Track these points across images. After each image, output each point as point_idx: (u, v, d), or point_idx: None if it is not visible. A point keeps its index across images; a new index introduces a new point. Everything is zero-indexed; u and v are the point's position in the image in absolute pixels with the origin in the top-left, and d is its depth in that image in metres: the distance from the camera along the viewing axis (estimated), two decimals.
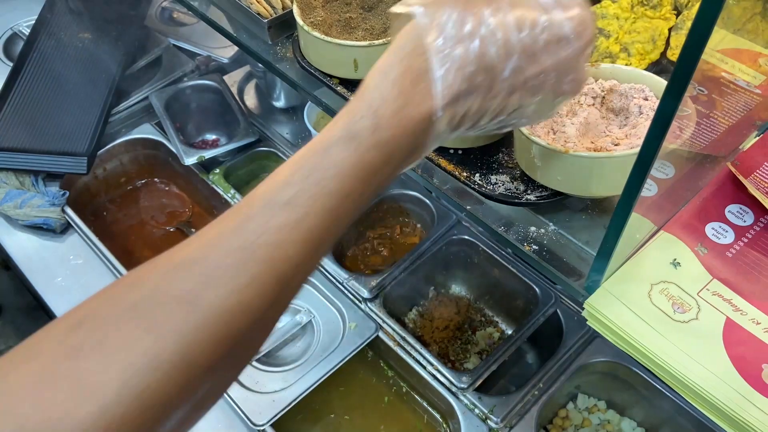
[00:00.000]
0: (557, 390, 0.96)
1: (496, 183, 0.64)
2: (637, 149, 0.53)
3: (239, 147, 1.23)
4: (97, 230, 1.15)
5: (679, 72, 0.39)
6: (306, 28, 0.70)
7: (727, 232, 0.59)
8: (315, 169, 0.38)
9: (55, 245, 1.13)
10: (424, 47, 0.40)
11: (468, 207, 0.64)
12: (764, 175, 0.63)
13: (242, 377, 0.95)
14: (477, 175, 0.65)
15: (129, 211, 1.32)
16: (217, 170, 1.22)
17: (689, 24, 0.67)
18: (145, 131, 1.31)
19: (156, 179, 1.35)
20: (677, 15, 0.69)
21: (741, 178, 0.61)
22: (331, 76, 0.74)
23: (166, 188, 1.36)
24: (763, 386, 0.49)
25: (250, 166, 1.27)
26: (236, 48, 1.42)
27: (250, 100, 1.42)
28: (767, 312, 0.53)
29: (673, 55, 0.67)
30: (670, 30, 0.68)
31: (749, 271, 0.56)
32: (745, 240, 0.59)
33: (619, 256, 0.55)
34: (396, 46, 0.42)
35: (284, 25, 0.80)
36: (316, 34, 0.69)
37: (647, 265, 0.57)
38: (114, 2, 1.40)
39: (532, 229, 0.62)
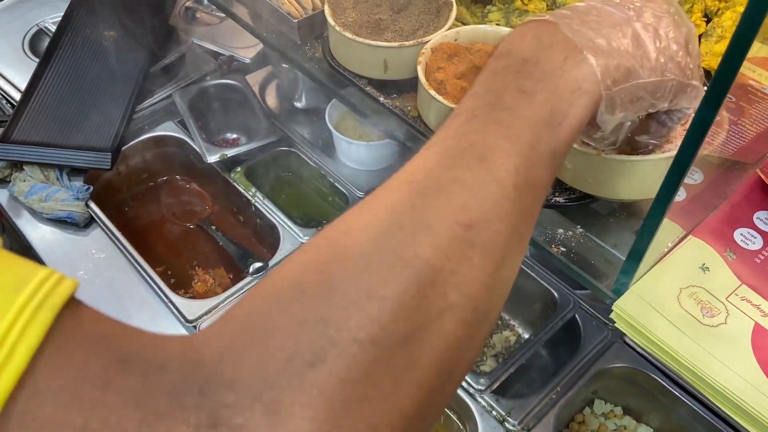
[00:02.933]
0: (574, 394, 0.96)
1: None
2: (671, 153, 0.53)
3: (261, 146, 1.24)
4: (118, 225, 1.17)
5: (719, 81, 0.39)
6: (338, 28, 0.71)
7: (755, 238, 0.60)
8: None
9: (78, 239, 1.15)
10: None
11: None
12: None
13: None
14: None
15: (150, 207, 1.33)
16: (239, 169, 1.23)
17: (719, 31, 0.68)
18: (168, 129, 1.32)
19: (177, 176, 1.36)
20: (707, 22, 0.69)
21: None
22: (360, 77, 0.75)
23: (187, 186, 1.37)
24: None
25: (271, 165, 1.28)
26: (258, 48, 1.43)
27: (272, 100, 1.43)
28: None
29: (704, 62, 0.67)
30: (700, 37, 0.69)
31: None
32: None
33: (648, 260, 0.55)
34: None
35: (314, 25, 0.81)
36: (348, 34, 0.70)
37: (676, 269, 0.57)
38: (139, 2, 1.41)
39: (560, 231, 0.63)
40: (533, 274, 1.06)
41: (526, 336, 1.11)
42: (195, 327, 1.01)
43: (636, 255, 0.53)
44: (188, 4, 1.58)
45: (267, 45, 0.84)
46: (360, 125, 1.23)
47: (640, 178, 0.56)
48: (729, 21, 0.68)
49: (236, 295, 1.05)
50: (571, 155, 0.57)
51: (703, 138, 0.42)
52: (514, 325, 1.12)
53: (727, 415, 0.86)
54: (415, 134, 0.71)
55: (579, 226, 0.63)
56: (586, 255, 0.61)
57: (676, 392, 0.95)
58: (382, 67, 0.71)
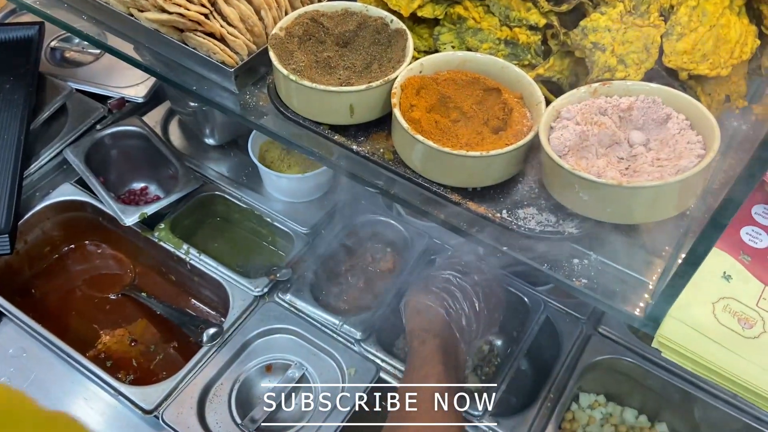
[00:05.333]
0: (565, 396, 0.96)
1: (525, 218, 0.61)
2: (689, 173, 0.52)
3: (183, 196, 1.12)
4: (31, 313, 1.01)
5: None
6: (292, 77, 0.63)
7: (760, 235, 0.60)
8: None
9: None
10: None
11: (505, 248, 0.61)
12: None
13: None
14: (504, 211, 0.62)
15: (61, 283, 1.17)
16: (162, 225, 1.11)
17: (678, 29, 0.67)
18: (66, 192, 1.16)
19: (86, 242, 1.21)
20: (665, 21, 0.69)
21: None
22: (320, 124, 0.67)
23: (99, 251, 1.22)
24: None
25: (195, 214, 1.16)
26: (150, 83, 1.30)
27: (177, 140, 1.30)
28: None
29: (669, 62, 0.67)
30: (661, 37, 0.68)
31: None
32: None
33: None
34: None
35: (251, 71, 0.72)
36: (307, 83, 0.63)
37: (702, 283, 0.57)
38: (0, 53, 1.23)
39: (575, 261, 0.60)
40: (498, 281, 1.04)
41: (499, 343, 1.10)
42: (157, 417, 0.90)
43: (680, 281, 0.51)
44: (54, 43, 1.40)
45: (201, 101, 0.74)
46: (287, 154, 1.14)
47: (659, 200, 0.54)
48: (685, 17, 0.68)
49: (194, 371, 0.94)
50: (590, 187, 0.54)
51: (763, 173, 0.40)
52: (491, 338, 1.10)
53: (698, 379, 0.89)
54: (394, 178, 0.65)
55: (592, 253, 0.60)
56: (607, 282, 0.59)
57: (657, 373, 0.97)
58: (348, 113, 0.65)
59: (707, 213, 0.61)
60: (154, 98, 1.32)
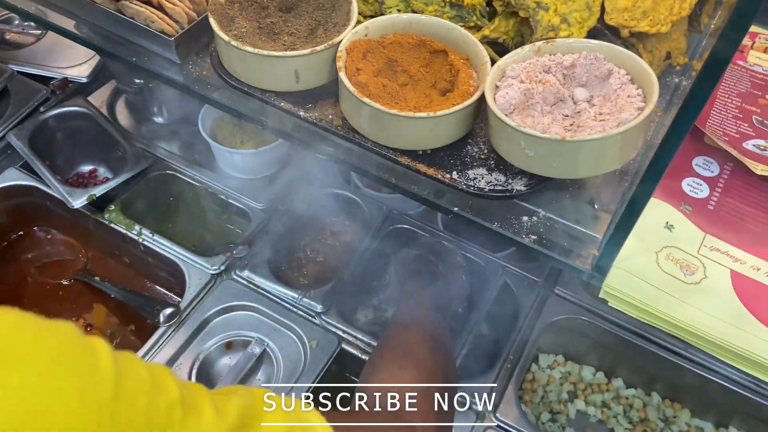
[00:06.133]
0: (525, 357, 0.98)
1: (475, 178, 0.62)
2: (629, 125, 0.53)
3: (133, 176, 1.10)
4: None
5: (719, 53, 0.38)
6: (234, 43, 0.62)
7: (701, 185, 0.62)
8: None
9: None
10: None
11: (456, 209, 0.61)
12: (716, 124, 0.66)
13: None
14: (454, 173, 0.62)
15: (10, 272, 1.13)
16: (112, 207, 1.08)
17: None
18: (11, 177, 1.12)
19: (35, 228, 1.17)
20: None
21: (703, 130, 0.64)
22: (266, 91, 0.66)
23: (49, 236, 1.19)
24: None
25: (147, 194, 1.14)
26: (94, 63, 1.26)
27: (125, 119, 1.26)
28: (762, 257, 0.56)
29: (611, 19, 0.68)
30: None
31: (733, 219, 0.59)
32: (719, 190, 0.62)
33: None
34: None
35: (193, 40, 0.70)
36: (250, 49, 0.61)
37: (645, 233, 0.58)
38: None
39: (525, 218, 0.61)
40: (454, 248, 1.05)
41: (460, 311, 1.11)
42: None
43: (622, 232, 0.52)
44: None
45: (143, 72, 0.71)
46: (240, 130, 1.12)
47: (602, 153, 0.55)
48: None
49: (151, 352, 0.93)
50: (532, 143, 0.55)
51: (700, 109, 0.41)
52: (452, 302, 1.11)
53: (653, 334, 0.92)
54: (344, 144, 0.64)
55: (541, 210, 0.61)
56: (555, 238, 0.60)
57: (611, 330, 1.00)
58: (294, 78, 0.64)
59: None
60: (99, 78, 1.28)
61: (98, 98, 1.27)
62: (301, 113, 0.64)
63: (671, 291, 0.54)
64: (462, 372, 0.99)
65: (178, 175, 1.14)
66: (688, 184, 0.62)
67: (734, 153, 0.61)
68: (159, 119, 1.23)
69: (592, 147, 0.53)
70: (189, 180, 1.13)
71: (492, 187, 0.60)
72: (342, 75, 0.60)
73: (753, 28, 0.79)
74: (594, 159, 0.55)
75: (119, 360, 0.36)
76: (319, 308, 0.97)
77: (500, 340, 1.01)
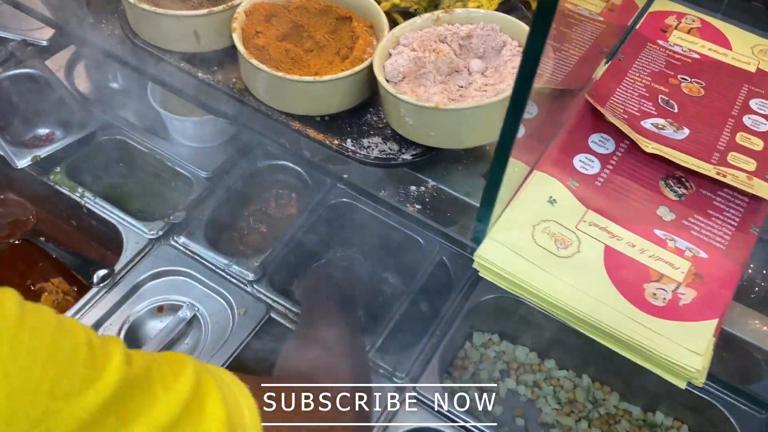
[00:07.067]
0: (454, 334, 0.98)
1: (369, 146, 0.62)
2: (504, 95, 0.53)
3: (79, 139, 1.10)
4: None
5: (543, 8, 0.38)
6: (132, 1, 0.62)
7: (593, 162, 0.62)
8: None
9: None
10: None
11: (345, 176, 0.61)
12: (618, 101, 0.66)
13: None
14: (348, 140, 0.62)
15: None
16: (58, 169, 1.09)
17: None
18: None
19: None
20: None
21: (598, 107, 0.63)
22: (171, 52, 0.66)
23: (1, 196, 1.20)
24: (645, 305, 0.52)
25: (96, 158, 1.14)
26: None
27: (83, 84, 1.27)
28: (639, 234, 0.56)
29: None
30: None
31: (617, 196, 0.59)
32: (610, 167, 0.61)
33: (500, 203, 0.55)
34: None
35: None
36: (146, 6, 0.62)
37: (526, 206, 0.58)
38: None
39: (413, 188, 0.61)
40: (397, 225, 1.06)
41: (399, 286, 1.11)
42: None
43: (488, 202, 0.52)
44: None
45: (56, 29, 0.72)
46: None
47: (481, 123, 0.55)
48: None
49: (82, 311, 0.94)
50: (410, 111, 0.55)
51: (535, 71, 0.41)
52: (386, 278, 1.12)
53: None
54: (248, 111, 0.65)
55: (430, 180, 0.61)
56: (441, 208, 0.60)
57: (542, 311, 1.00)
58: (194, 39, 0.64)
59: None
60: (59, 43, 1.28)
61: (57, 62, 1.27)
62: (200, 74, 0.65)
63: (542, 264, 0.54)
64: (392, 346, 1.00)
65: (127, 140, 1.15)
66: (580, 161, 0.61)
67: (625, 130, 0.60)
68: (115, 85, 1.23)
69: (465, 116, 0.53)
70: (137, 146, 1.14)
71: (383, 156, 0.60)
72: (235, 36, 0.61)
73: (681, 8, 0.78)
74: (471, 129, 0.55)
75: (26, 305, 0.37)
76: (251, 276, 0.98)
77: (431, 316, 1.01)
